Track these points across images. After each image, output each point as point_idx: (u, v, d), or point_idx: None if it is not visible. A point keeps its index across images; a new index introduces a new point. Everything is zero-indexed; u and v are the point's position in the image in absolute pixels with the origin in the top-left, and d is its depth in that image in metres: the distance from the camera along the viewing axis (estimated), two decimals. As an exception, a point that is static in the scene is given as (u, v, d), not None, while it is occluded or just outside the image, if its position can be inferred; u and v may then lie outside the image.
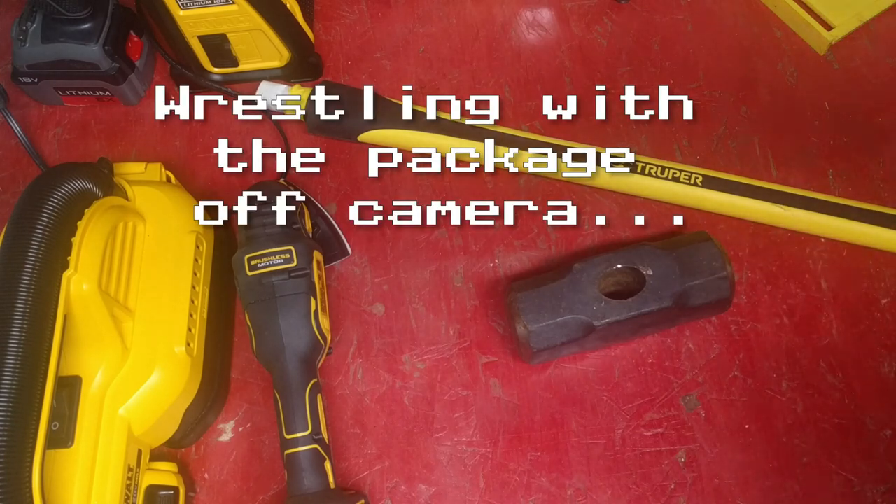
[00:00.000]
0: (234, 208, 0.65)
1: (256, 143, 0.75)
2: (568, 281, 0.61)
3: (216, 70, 0.76)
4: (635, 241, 0.68)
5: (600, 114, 0.74)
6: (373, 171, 0.73)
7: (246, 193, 0.63)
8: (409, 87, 0.77)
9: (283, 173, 0.73)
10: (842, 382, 0.63)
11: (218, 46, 0.73)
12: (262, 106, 0.75)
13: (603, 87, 0.76)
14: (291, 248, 0.60)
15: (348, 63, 0.79)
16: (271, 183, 0.64)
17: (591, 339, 0.61)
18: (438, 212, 0.71)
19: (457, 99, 0.76)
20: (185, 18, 0.69)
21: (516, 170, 0.72)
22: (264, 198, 0.62)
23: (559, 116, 0.75)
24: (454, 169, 0.72)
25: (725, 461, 0.61)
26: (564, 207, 0.71)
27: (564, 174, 0.71)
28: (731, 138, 0.73)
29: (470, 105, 0.75)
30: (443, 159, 0.73)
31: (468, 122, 0.72)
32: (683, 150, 0.73)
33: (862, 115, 0.73)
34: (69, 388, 0.54)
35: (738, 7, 0.79)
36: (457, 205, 0.71)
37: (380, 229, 0.71)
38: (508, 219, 0.70)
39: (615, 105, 0.75)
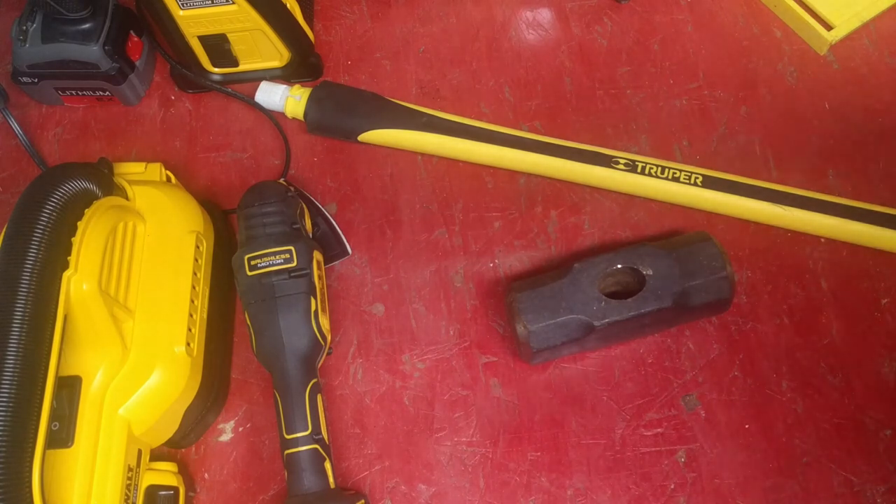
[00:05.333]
0: (234, 209, 0.65)
1: (256, 144, 0.75)
2: (568, 281, 0.61)
3: (216, 70, 0.76)
4: (635, 241, 0.69)
5: (600, 113, 0.75)
6: (373, 171, 0.73)
7: (246, 193, 0.63)
8: (409, 88, 0.77)
9: (283, 173, 0.73)
10: (842, 382, 0.63)
11: (218, 46, 0.73)
12: (262, 106, 0.75)
13: (603, 88, 0.76)
14: (291, 248, 0.60)
15: (348, 63, 0.79)
16: (271, 183, 0.64)
17: (591, 339, 0.61)
18: (438, 212, 0.71)
19: (457, 99, 0.76)
20: (185, 18, 0.69)
21: (516, 169, 0.72)
22: (264, 198, 0.62)
23: (559, 116, 0.75)
24: (454, 169, 0.73)
25: (725, 461, 0.61)
26: (565, 207, 0.71)
27: (565, 174, 0.71)
28: (731, 138, 0.73)
29: (470, 105, 0.76)
30: (443, 159, 0.73)
31: (468, 122, 0.72)
32: (683, 150, 0.73)
33: (862, 115, 0.73)
34: (69, 388, 0.54)
35: (738, 7, 0.79)
36: (457, 205, 0.71)
37: (380, 229, 0.71)
38: (509, 218, 0.70)
39: (615, 104, 0.75)
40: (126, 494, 0.54)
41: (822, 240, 0.68)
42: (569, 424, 0.63)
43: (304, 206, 0.66)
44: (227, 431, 0.64)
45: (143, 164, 0.66)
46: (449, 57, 0.79)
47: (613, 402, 0.63)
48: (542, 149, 0.70)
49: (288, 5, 0.71)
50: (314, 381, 0.59)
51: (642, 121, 0.74)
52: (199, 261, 0.63)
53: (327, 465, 0.57)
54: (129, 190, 0.61)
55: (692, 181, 0.68)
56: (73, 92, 0.75)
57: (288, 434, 0.57)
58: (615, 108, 0.75)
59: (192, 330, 0.60)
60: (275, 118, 0.75)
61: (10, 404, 0.46)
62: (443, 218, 0.71)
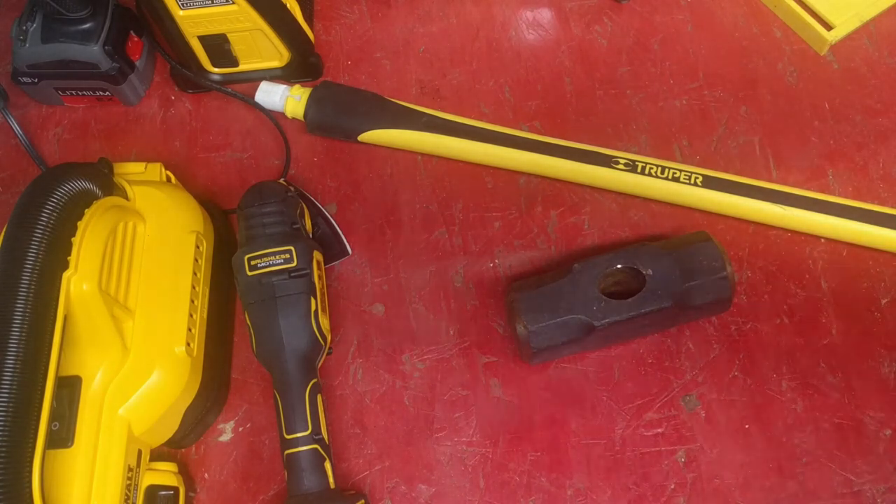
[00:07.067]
0: (234, 209, 0.65)
1: (256, 144, 0.75)
2: (568, 281, 0.61)
3: (216, 70, 0.76)
4: (635, 241, 0.68)
5: (600, 114, 0.75)
6: (373, 171, 0.73)
7: (246, 193, 0.63)
8: (409, 88, 0.77)
9: (283, 173, 0.73)
10: (842, 382, 0.63)
11: (218, 46, 0.73)
12: (262, 106, 0.75)
13: (603, 88, 0.76)
14: (291, 248, 0.60)
15: (348, 63, 0.79)
16: (271, 183, 0.64)
17: (591, 339, 0.61)
18: (438, 212, 0.71)
19: (457, 99, 0.76)
20: (185, 18, 0.69)
21: (516, 169, 0.72)
22: (264, 198, 0.62)
23: (559, 116, 0.75)
24: (454, 169, 0.73)
25: (725, 461, 0.61)
26: (565, 207, 0.71)
27: (564, 174, 0.71)
28: (731, 138, 0.73)
29: (470, 105, 0.76)
30: (443, 159, 0.73)
31: (468, 122, 0.72)
32: (683, 150, 0.73)
33: (862, 115, 0.73)
34: (69, 388, 0.54)
35: (738, 7, 0.79)
36: (457, 205, 0.71)
37: (380, 229, 0.71)
38: (509, 218, 0.70)
39: (615, 104, 0.75)
40: (126, 494, 0.54)
41: (822, 240, 0.68)
42: (569, 424, 0.63)
43: (304, 206, 0.66)
44: (227, 431, 0.64)
45: (143, 164, 0.66)
46: (449, 57, 0.79)
47: (613, 402, 0.63)
48: (542, 149, 0.70)
49: (288, 5, 0.71)
50: (314, 381, 0.59)
51: (642, 121, 0.74)
52: (199, 261, 0.63)
53: (327, 466, 0.57)
54: (129, 190, 0.61)
55: (692, 181, 0.68)
56: (73, 92, 0.75)
57: (288, 434, 0.57)
58: (615, 108, 0.75)
59: (192, 330, 0.60)
60: (275, 118, 0.75)
61: (10, 404, 0.46)
62: (443, 218, 0.71)
